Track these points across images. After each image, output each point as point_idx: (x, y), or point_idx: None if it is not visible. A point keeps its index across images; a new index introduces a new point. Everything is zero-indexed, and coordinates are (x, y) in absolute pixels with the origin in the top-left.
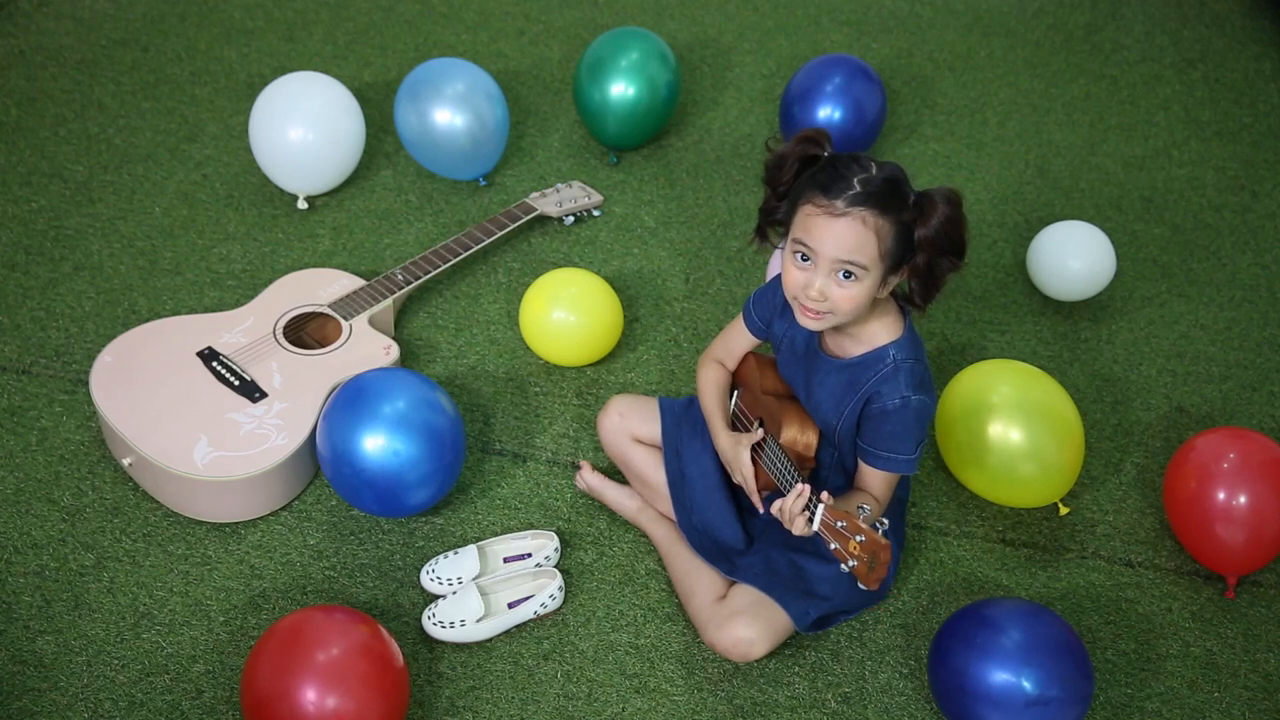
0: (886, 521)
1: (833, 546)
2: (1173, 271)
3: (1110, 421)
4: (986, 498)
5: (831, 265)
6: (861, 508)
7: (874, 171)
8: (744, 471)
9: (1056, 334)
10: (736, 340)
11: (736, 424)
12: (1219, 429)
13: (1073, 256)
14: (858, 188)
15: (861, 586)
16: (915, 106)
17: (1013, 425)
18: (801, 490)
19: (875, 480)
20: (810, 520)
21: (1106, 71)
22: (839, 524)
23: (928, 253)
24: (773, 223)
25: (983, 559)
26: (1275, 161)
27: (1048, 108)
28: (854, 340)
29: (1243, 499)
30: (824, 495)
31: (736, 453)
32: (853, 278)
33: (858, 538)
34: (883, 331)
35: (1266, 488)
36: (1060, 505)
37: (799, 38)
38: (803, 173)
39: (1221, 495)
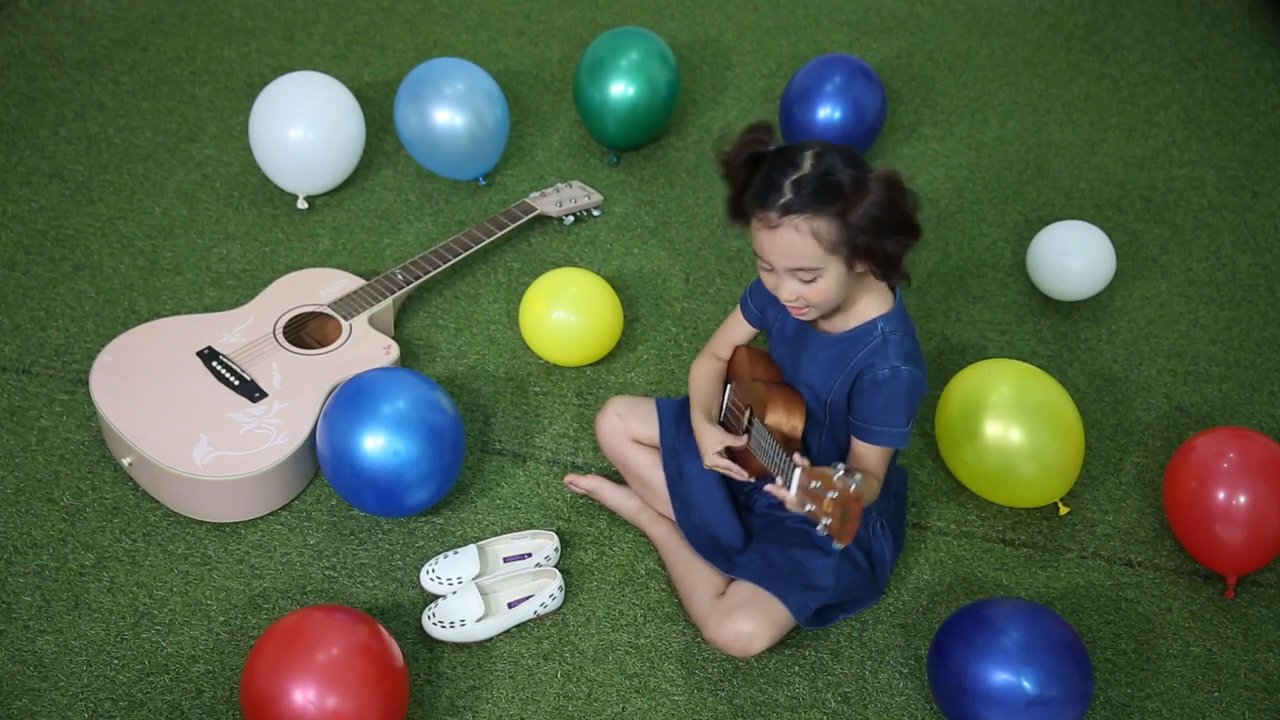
0: (860, 475)
1: (808, 509)
2: (1173, 271)
3: (1110, 421)
4: (986, 498)
5: (787, 272)
6: (837, 465)
7: (807, 168)
8: (710, 459)
9: (1056, 334)
10: (734, 332)
11: (729, 415)
12: (1219, 429)
13: (1073, 256)
14: (789, 193)
15: (836, 546)
16: (915, 106)
17: (1013, 425)
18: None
19: (871, 456)
20: (788, 486)
21: (1106, 71)
22: (813, 484)
23: (863, 236)
24: (741, 214)
25: (983, 559)
26: (1275, 161)
27: (1048, 108)
28: (843, 315)
29: (1243, 499)
30: (798, 458)
31: (709, 434)
32: (812, 276)
33: (830, 494)
34: (872, 306)
35: (1266, 488)
36: (1060, 505)
37: (799, 38)
38: (754, 169)
39: (1221, 495)
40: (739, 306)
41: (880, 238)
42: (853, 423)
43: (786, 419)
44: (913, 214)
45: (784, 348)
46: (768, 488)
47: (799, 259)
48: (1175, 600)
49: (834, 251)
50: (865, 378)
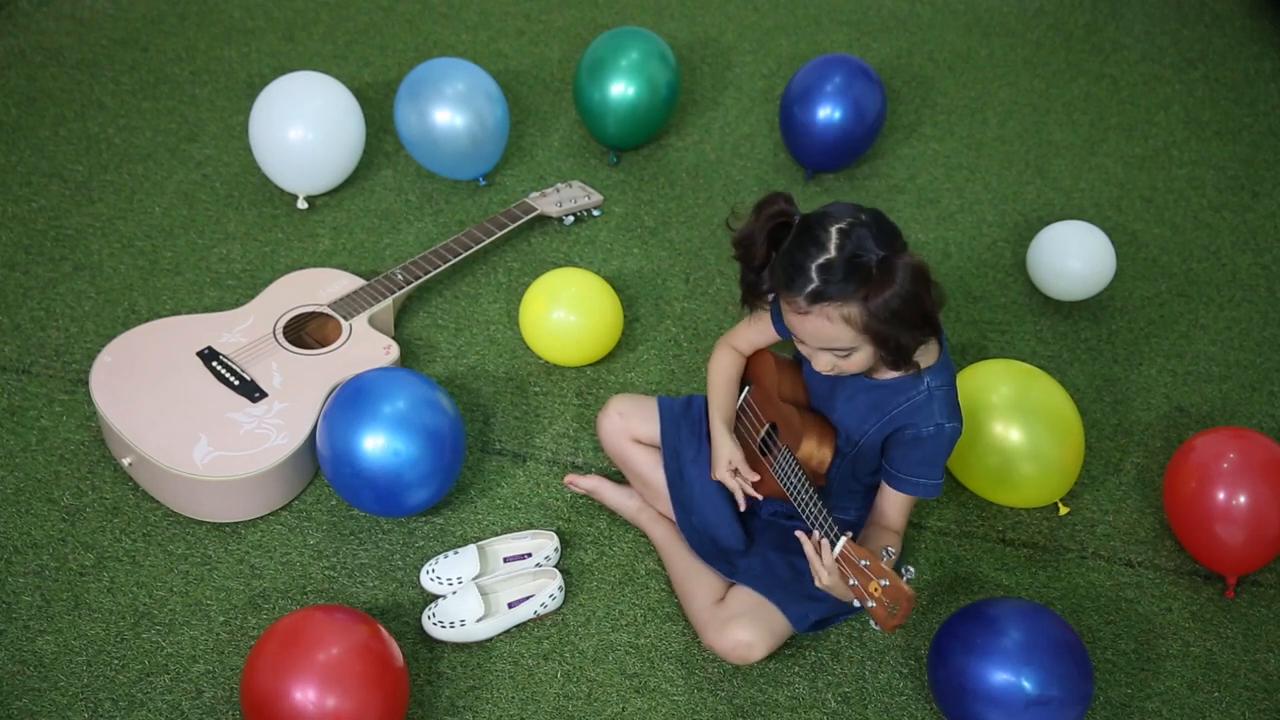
0: (913, 570)
1: (851, 583)
2: (1173, 271)
3: (1110, 421)
4: (986, 498)
5: (822, 349)
6: (886, 550)
7: (833, 250)
8: (720, 473)
9: (1056, 334)
10: (759, 333)
11: (742, 417)
12: (1219, 429)
13: (1073, 256)
14: (816, 280)
15: (875, 627)
16: (915, 106)
17: (1013, 425)
18: (838, 542)
19: (897, 503)
20: (831, 544)
21: (1106, 71)
22: (862, 562)
23: (879, 324)
24: (759, 294)
25: (983, 559)
26: (1275, 161)
27: (1048, 108)
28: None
29: (1243, 499)
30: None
31: (724, 446)
32: (846, 353)
33: (882, 581)
34: (918, 358)
35: (1266, 488)
36: (1060, 505)
37: (799, 38)
38: (776, 240)
39: (1221, 495)
40: (768, 313)
41: (896, 329)
42: (887, 469)
43: (817, 450)
44: (934, 310)
45: (820, 377)
46: (802, 540)
47: (830, 341)
48: (1175, 600)
49: (865, 333)
50: (907, 432)
